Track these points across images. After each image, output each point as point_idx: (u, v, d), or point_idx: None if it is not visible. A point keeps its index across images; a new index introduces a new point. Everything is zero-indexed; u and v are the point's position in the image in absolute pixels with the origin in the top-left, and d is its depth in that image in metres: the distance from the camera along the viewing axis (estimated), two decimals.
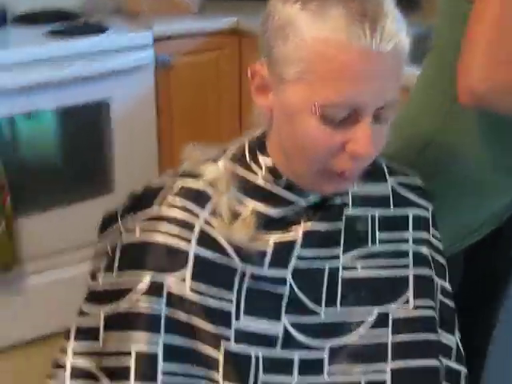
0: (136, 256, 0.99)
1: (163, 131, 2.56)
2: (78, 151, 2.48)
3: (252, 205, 1.00)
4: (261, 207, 1.00)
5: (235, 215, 0.99)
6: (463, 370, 1.13)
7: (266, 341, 0.98)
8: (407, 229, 1.09)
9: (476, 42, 1.04)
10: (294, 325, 1.00)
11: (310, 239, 1.00)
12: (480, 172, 1.25)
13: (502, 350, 1.71)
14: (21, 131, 2.35)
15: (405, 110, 1.28)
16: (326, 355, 1.01)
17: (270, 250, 0.99)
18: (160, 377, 0.94)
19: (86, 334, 1.00)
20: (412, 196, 1.11)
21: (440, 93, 1.24)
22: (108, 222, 1.09)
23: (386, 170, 1.11)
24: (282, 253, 0.99)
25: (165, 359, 0.94)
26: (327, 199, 1.02)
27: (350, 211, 1.04)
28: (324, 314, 1.02)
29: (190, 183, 1.01)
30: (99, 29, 2.40)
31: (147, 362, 0.94)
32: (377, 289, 1.05)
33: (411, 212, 1.10)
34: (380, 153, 0.97)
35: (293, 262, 1.00)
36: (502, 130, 1.20)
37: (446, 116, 1.23)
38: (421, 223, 1.10)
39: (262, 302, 0.99)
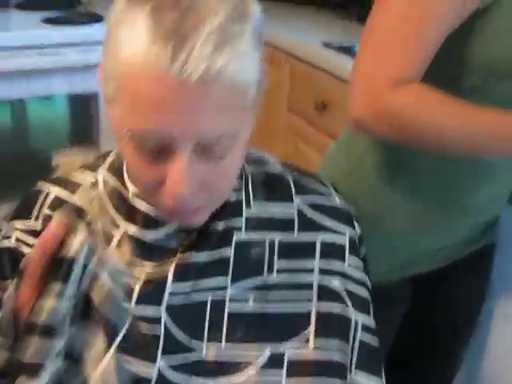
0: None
1: None
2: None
3: (125, 227, 0.88)
4: (134, 230, 0.88)
5: (109, 239, 0.88)
6: None
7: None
8: (313, 257, 0.93)
9: (357, 69, 1.04)
10: (172, 366, 0.86)
11: (186, 271, 0.87)
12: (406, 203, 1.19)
13: None
14: None
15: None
16: None
17: (137, 287, 0.86)
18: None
19: None
20: (324, 219, 0.96)
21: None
22: None
23: (293, 189, 0.97)
24: (154, 289, 0.87)
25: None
26: (207, 225, 0.88)
27: (242, 236, 0.90)
28: (206, 352, 0.88)
29: (65, 195, 0.92)
30: (95, 18, 2.38)
31: None
32: (271, 325, 0.90)
33: (320, 237, 0.94)
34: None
35: (166, 299, 0.86)
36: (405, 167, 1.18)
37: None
38: (332, 251, 0.95)
39: (139, 344, 0.86)
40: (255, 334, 0.89)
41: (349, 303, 0.94)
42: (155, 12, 0.70)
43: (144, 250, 0.88)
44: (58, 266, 0.83)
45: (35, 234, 0.89)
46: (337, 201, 1.00)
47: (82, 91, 2.35)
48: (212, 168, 0.77)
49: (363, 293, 0.98)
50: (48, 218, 0.89)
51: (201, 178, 0.77)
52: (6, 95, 2.33)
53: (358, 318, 0.95)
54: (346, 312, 0.94)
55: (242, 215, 0.91)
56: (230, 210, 0.91)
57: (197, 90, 0.70)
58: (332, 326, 0.92)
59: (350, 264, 0.97)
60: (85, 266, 0.85)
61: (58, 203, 0.91)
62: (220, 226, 0.89)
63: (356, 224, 1.01)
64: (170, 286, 0.86)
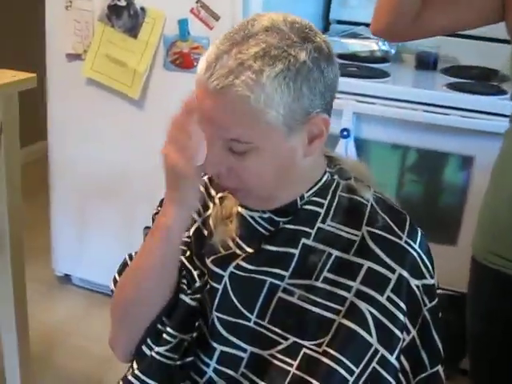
0: None
1: None
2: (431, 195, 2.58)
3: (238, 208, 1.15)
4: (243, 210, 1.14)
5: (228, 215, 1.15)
6: None
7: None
8: (355, 278, 1.07)
9: None
10: (220, 319, 1.11)
11: (256, 255, 1.10)
12: None
13: None
14: None
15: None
16: (245, 356, 1.11)
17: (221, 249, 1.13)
18: None
19: None
20: (380, 252, 1.08)
21: None
22: None
23: (365, 220, 1.10)
24: (228, 256, 1.12)
25: None
26: (283, 224, 1.11)
27: (308, 242, 1.09)
28: (253, 323, 1.11)
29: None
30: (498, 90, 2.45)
31: None
32: (303, 320, 1.08)
33: (369, 265, 1.08)
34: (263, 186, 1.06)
35: (231, 267, 1.11)
36: None
37: None
38: (374, 280, 1.07)
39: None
40: (289, 323, 1.09)
41: (373, 331, 1.06)
42: (219, 44, 1.00)
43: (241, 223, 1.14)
44: None
45: None
46: (403, 245, 1.10)
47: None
48: (237, 161, 1.02)
49: (397, 331, 1.07)
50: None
51: (226, 163, 1.02)
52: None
53: (380, 350, 1.06)
54: (367, 337, 1.06)
55: (314, 226, 1.10)
56: (305, 216, 1.10)
57: (214, 97, 0.97)
58: (346, 343, 1.06)
59: (389, 299, 1.07)
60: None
61: None
62: (292, 227, 1.10)
63: (427, 273, 1.11)
64: (240, 259, 1.10)
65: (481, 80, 2.62)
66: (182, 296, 1.14)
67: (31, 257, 3.00)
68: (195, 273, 1.16)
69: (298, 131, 1.01)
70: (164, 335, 1.12)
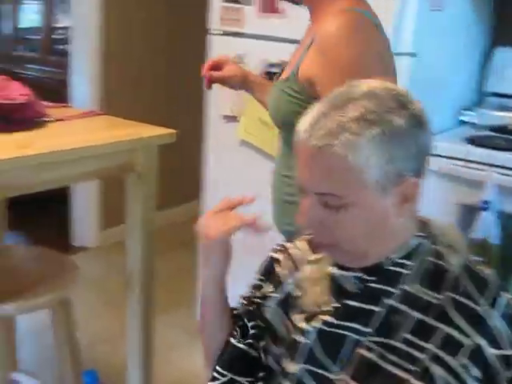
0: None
1: None
2: None
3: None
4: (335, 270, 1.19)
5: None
6: None
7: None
8: (432, 342, 1.08)
9: None
10: (308, 370, 1.16)
11: (340, 310, 1.15)
12: None
13: None
14: None
15: None
16: None
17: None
18: None
19: None
20: (458, 318, 1.09)
21: None
22: None
23: (448, 284, 1.12)
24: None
25: None
26: (367, 282, 1.14)
27: (391, 301, 1.12)
28: (335, 375, 1.13)
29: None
30: None
31: None
32: (378, 377, 1.09)
33: (446, 330, 1.08)
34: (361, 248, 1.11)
35: (319, 324, 1.16)
36: None
37: None
38: (449, 345, 1.07)
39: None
40: (367, 378, 1.11)
41: None
42: (323, 102, 1.09)
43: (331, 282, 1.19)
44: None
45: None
46: (481, 312, 1.09)
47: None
48: (329, 216, 1.08)
49: None
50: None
51: (320, 218, 1.09)
52: None
53: None
54: None
55: (396, 286, 1.13)
56: (390, 276, 1.13)
57: (313, 155, 1.05)
58: None
59: (463, 365, 1.06)
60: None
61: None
62: (376, 286, 1.14)
63: (507, 343, 1.08)
64: (326, 315, 1.16)
65: None
66: (231, 339, 1.28)
67: (177, 305, 3.21)
68: (249, 324, 1.29)
69: (390, 192, 1.06)
70: (214, 373, 1.26)
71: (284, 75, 1.68)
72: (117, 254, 3.50)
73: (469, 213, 2.44)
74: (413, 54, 2.46)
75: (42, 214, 4.37)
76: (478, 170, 2.44)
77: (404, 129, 1.04)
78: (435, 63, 2.50)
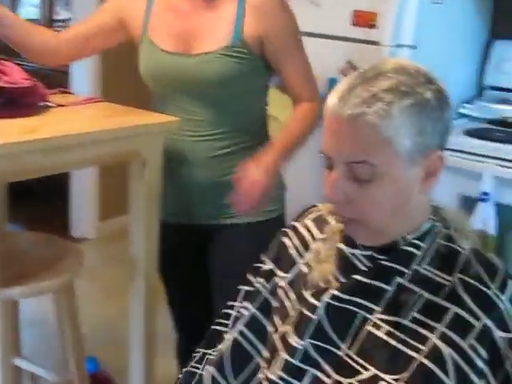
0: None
1: None
2: None
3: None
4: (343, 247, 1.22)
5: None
6: None
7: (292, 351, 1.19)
8: (441, 322, 1.10)
9: None
10: (313, 345, 1.18)
11: (351, 286, 1.17)
12: None
13: None
14: None
15: None
16: (330, 382, 1.15)
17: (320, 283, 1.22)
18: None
19: None
20: (468, 300, 1.11)
21: None
22: None
23: (459, 266, 1.14)
24: (324, 289, 1.20)
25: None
26: (379, 259, 1.16)
27: (402, 281, 1.14)
28: (342, 351, 1.15)
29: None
30: None
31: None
32: (386, 354, 1.11)
33: (455, 310, 1.10)
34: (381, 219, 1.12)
35: (327, 297, 1.18)
36: None
37: None
38: (458, 325, 1.09)
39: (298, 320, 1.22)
40: (373, 356, 1.12)
41: (451, 374, 1.07)
42: (353, 76, 1.11)
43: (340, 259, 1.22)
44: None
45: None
46: (490, 294, 1.11)
47: None
48: (357, 188, 1.09)
49: (472, 376, 1.08)
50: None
51: (347, 191, 1.10)
52: None
53: None
54: (444, 379, 1.07)
55: (409, 266, 1.15)
56: (403, 256, 1.15)
57: (347, 124, 1.06)
58: (423, 381, 1.08)
59: (471, 346, 1.08)
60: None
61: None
62: (388, 264, 1.15)
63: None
64: (334, 289, 1.18)
65: None
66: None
67: None
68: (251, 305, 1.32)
69: (417, 164, 1.09)
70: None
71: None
72: (116, 244, 3.52)
73: (467, 204, 2.47)
74: (413, 47, 2.49)
75: (41, 205, 4.39)
76: (476, 161, 2.48)
77: (432, 102, 1.08)
78: (435, 56, 2.53)
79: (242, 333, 1.30)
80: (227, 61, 1.76)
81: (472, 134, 2.62)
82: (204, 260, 1.98)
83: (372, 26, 2.47)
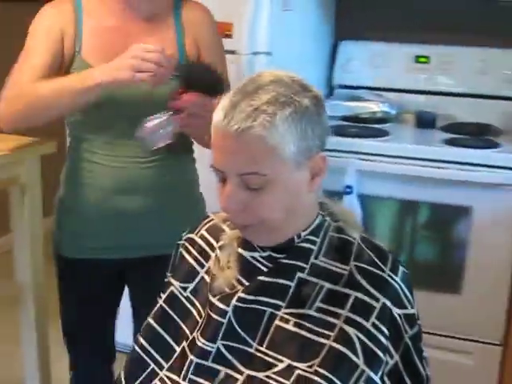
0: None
1: None
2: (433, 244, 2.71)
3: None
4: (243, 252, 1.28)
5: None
6: None
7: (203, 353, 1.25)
8: (344, 308, 1.19)
9: None
10: (225, 346, 1.24)
11: (255, 287, 1.23)
12: None
13: None
14: None
15: None
16: (241, 378, 1.22)
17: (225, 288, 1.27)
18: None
19: None
20: (366, 284, 1.21)
21: None
22: None
23: (353, 254, 1.24)
24: (231, 293, 1.25)
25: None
26: (279, 258, 1.24)
27: (303, 275, 1.22)
28: (254, 349, 1.22)
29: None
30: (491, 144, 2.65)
31: None
32: (297, 344, 1.19)
33: (355, 295, 1.20)
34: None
35: (234, 301, 1.23)
36: None
37: None
38: (360, 308, 1.19)
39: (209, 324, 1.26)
40: (285, 348, 1.20)
41: (360, 353, 1.17)
42: (233, 95, 1.16)
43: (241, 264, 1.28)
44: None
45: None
46: (387, 277, 1.23)
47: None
48: (250, 196, 1.16)
49: (379, 353, 1.19)
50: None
51: (242, 200, 1.16)
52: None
53: (366, 370, 1.17)
54: (354, 359, 1.17)
55: (308, 261, 1.24)
56: (300, 252, 1.23)
57: (235, 139, 1.12)
58: (335, 363, 1.17)
59: (374, 325, 1.19)
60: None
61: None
62: (288, 262, 1.23)
63: (407, 304, 1.23)
64: (240, 292, 1.24)
65: (476, 135, 2.77)
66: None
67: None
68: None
69: (303, 167, 1.17)
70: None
71: None
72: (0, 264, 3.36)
73: (333, 198, 2.60)
74: (268, 53, 2.56)
75: None
76: (337, 157, 2.59)
77: (310, 108, 1.16)
78: (289, 60, 2.62)
79: (141, 345, 1.35)
80: (176, 82, 1.68)
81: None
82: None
83: (228, 36, 2.52)
